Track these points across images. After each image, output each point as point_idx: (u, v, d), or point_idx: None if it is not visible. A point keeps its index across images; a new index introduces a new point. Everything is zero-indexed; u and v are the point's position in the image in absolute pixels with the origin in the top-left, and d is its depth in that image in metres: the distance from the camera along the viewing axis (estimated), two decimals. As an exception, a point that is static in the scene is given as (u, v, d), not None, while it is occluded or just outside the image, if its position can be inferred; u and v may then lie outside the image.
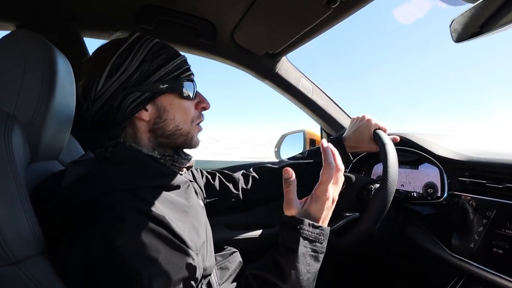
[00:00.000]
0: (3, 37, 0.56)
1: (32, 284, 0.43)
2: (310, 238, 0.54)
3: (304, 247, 0.53)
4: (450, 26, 0.62)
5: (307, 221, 0.54)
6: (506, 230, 0.72)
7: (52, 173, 0.60)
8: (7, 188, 0.44)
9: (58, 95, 0.57)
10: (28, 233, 0.45)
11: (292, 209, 0.57)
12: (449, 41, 0.62)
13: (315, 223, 0.55)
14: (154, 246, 0.47)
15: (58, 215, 0.49)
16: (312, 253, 0.54)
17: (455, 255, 0.82)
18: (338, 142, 0.91)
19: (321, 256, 0.56)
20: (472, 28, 0.59)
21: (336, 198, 0.60)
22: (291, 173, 0.57)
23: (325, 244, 0.56)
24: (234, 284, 0.77)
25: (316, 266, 0.55)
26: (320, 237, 0.55)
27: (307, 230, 0.54)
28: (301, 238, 0.53)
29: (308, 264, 0.53)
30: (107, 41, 0.62)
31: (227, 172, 0.95)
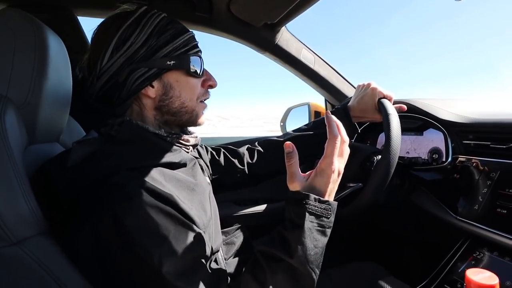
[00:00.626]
0: None
1: (35, 263, 0.44)
2: (317, 213, 0.53)
3: (310, 222, 0.52)
4: None
5: (312, 195, 0.53)
6: (510, 190, 0.72)
7: (53, 155, 0.59)
8: (3, 171, 0.44)
9: (52, 74, 0.57)
10: (28, 214, 0.45)
11: (295, 183, 0.56)
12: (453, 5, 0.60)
13: (321, 198, 0.54)
14: (163, 224, 0.47)
15: (65, 195, 0.50)
16: (319, 228, 0.53)
17: (460, 218, 0.82)
18: (343, 111, 0.90)
19: (329, 231, 0.55)
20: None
21: (342, 171, 0.57)
22: (291, 146, 0.56)
23: (332, 218, 0.55)
24: (238, 258, 0.79)
25: (324, 240, 0.54)
26: (327, 212, 0.53)
27: (313, 205, 0.52)
28: (307, 213, 0.52)
29: (315, 239, 0.52)
30: (102, 18, 0.61)
31: (232, 147, 0.95)
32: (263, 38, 1.21)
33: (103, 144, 0.56)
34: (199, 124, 0.68)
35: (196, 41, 0.64)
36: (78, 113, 0.80)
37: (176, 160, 0.59)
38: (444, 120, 0.91)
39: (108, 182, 0.48)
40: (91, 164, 0.51)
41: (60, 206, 0.50)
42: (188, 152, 0.66)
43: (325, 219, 0.54)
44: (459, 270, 0.77)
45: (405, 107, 0.91)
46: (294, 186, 0.56)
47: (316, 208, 0.53)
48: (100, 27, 0.59)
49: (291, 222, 0.54)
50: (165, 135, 0.61)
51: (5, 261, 0.43)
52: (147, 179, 0.50)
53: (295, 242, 0.51)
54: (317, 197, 0.53)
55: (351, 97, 0.94)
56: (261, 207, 1.44)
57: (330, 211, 0.54)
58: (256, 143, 0.97)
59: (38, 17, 0.58)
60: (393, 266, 0.99)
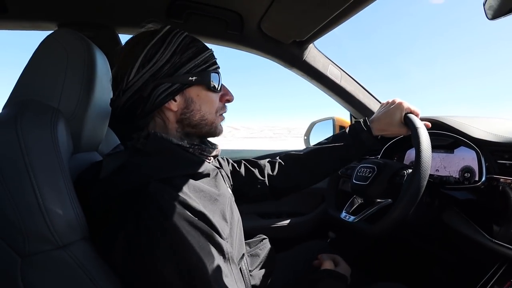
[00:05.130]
0: (47, 37, 0.59)
1: (77, 267, 0.46)
2: None
3: None
4: (484, 4, 0.60)
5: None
6: (550, 213, 0.69)
7: (89, 164, 0.63)
8: (54, 177, 0.47)
9: (97, 89, 0.61)
10: (73, 219, 0.48)
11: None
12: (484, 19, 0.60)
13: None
14: (191, 236, 0.48)
15: (98, 205, 0.52)
16: None
17: (496, 241, 0.79)
18: (364, 124, 0.89)
19: None
20: (509, 3, 0.57)
21: None
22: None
23: None
24: (263, 270, 0.79)
25: None
26: None
27: None
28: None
29: None
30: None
31: (253, 159, 0.96)
32: (291, 55, 1.24)
33: (131, 157, 0.59)
34: (217, 135, 0.70)
35: (215, 58, 0.67)
36: (114, 123, 0.84)
37: (200, 171, 0.61)
38: (477, 138, 0.88)
39: (139, 193, 0.50)
40: (121, 175, 0.53)
41: (94, 215, 0.52)
42: (210, 163, 0.68)
43: None
44: (496, 295, 0.74)
45: (429, 124, 0.88)
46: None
47: None
48: (128, 44, 0.63)
49: None
50: (188, 146, 0.63)
51: (51, 263, 0.46)
52: (176, 190, 0.52)
53: None
54: None
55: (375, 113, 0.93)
56: (286, 221, 1.44)
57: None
58: (277, 157, 0.98)
59: (84, 34, 0.62)
60: (421, 287, 0.96)
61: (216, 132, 0.69)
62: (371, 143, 0.89)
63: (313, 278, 0.72)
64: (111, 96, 0.69)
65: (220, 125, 0.70)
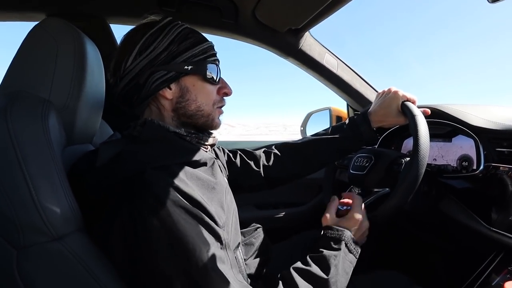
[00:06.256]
0: (35, 26, 0.58)
1: (74, 258, 0.46)
2: (350, 247, 0.67)
3: (343, 252, 0.65)
4: None
5: (349, 232, 0.69)
6: (549, 200, 0.68)
7: (82, 154, 0.62)
8: (47, 170, 0.47)
9: (89, 79, 0.59)
10: (68, 210, 0.48)
11: (327, 218, 0.74)
12: (485, 6, 0.59)
13: (354, 238, 0.69)
14: (187, 224, 0.48)
15: (94, 194, 0.52)
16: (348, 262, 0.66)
17: (493, 229, 0.79)
18: (362, 117, 0.89)
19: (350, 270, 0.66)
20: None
21: (365, 232, 0.77)
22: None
23: (353, 265, 0.67)
24: (258, 259, 0.79)
25: (347, 276, 0.65)
26: (356, 252, 0.69)
27: (348, 239, 0.68)
28: (343, 242, 0.66)
29: (345, 269, 0.64)
30: (132, 25, 0.64)
31: (249, 150, 0.95)
32: (287, 43, 1.22)
33: (127, 145, 0.58)
34: (215, 128, 0.70)
35: (214, 50, 0.67)
36: (108, 115, 0.83)
37: (197, 159, 0.61)
38: (475, 126, 0.88)
39: (135, 181, 0.50)
40: (118, 163, 0.53)
41: (90, 204, 0.52)
42: (206, 152, 0.68)
43: (353, 256, 0.67)
44: (494, 283, 0.74)
45: (428, 111, 0.88)
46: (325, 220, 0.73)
47: (351, 243, 0.67)
48: (128, 33, 0.63)
49: (327, 246, 0.66)
50: (185, 134, 0.63)
51: (47, 255, 0.46)
52: (172, 178, 0.52)
53: (332, 264, 0.62)
54: (352, 236, 0.69)
55: (372, 104, 0.92)
56: (282, 211, 1.44)
57: (357, 254, 0.68)
58: (273, 147, 0.98)
59: (74, 25, 0.61)
60: (418, 276, 0.96)
61: (213, 125, 0.69)
62: (370, 136, 0.89)
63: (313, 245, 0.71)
64: (103, 86, 0.69)
65: (218, 118, 0.69)
